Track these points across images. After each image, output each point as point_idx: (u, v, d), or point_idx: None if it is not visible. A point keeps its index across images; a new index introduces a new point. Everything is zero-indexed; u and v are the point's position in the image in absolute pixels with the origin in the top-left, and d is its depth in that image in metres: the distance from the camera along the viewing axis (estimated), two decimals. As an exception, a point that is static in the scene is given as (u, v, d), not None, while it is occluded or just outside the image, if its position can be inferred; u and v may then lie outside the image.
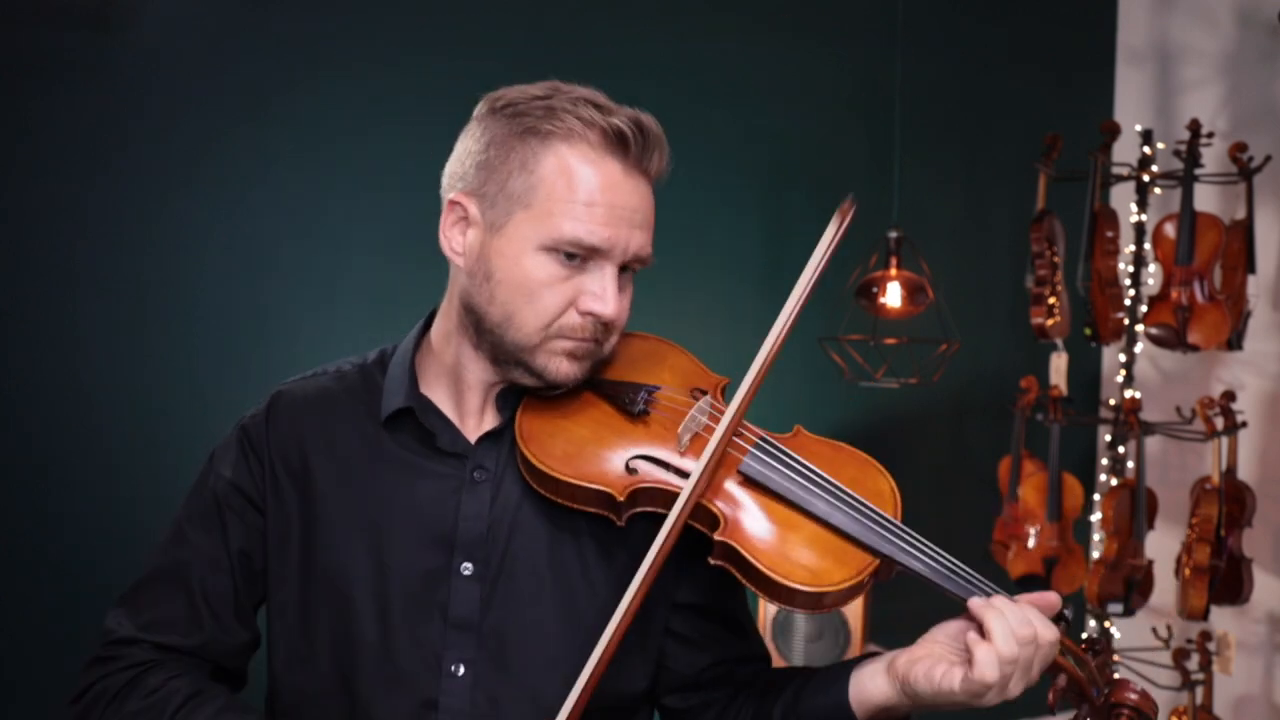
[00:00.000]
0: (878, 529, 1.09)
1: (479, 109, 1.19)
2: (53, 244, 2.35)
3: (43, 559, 2.33)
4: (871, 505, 1.10)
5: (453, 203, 1.17)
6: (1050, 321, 2.87)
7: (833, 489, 1.10)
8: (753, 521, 1.09)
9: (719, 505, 1.09)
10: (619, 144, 1.13)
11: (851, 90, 3.16)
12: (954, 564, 1.08)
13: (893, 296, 2.71)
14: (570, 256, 1.12)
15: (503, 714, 1.14)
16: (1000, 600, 1.05)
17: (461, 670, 1.14)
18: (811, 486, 1.11)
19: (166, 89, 2.42)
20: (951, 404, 3.32)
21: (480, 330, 1.16)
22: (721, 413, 1.16)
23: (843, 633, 2.77)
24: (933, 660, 1.06)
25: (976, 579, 1.08)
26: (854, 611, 2.78)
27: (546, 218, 1.11)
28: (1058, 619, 1.06)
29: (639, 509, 1.12)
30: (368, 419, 1.22)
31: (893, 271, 2.72)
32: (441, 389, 1.23)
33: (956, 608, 1.09)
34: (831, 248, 1.23)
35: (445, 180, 1.20)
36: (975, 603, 1.05)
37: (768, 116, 3.06)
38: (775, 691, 1.21)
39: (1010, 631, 1.01)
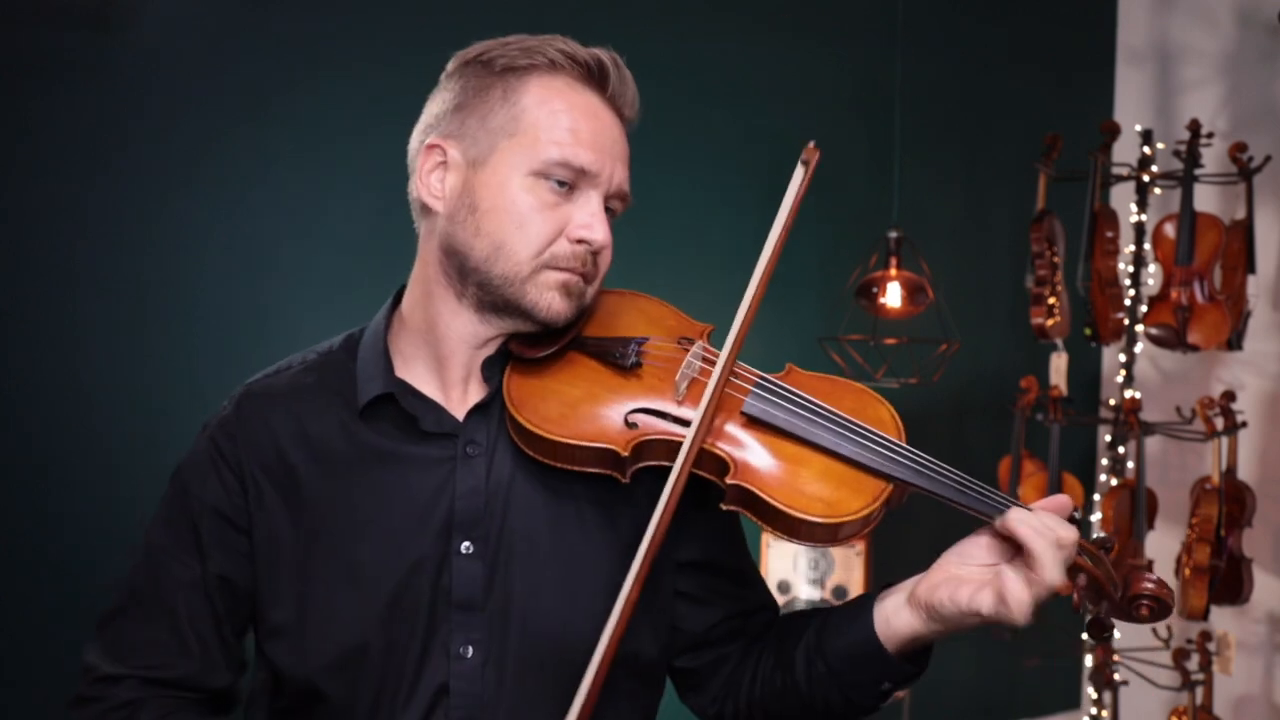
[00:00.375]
0: (887, 453, 1.08)
1: (450, 67, 1.19)
2: (53, 244, 2.35)
3: (43, 559, 2.33)
4: (877, 431, 1.10)
5: (430, 146, 1.15)
6: (1050, 321, 2.87)
7: (837, 419, 1.10)
8: (762, 461, 1.08)
9: (726, 449, 1.08)
10: (597, 76, 1.16)
11: (851, 90, 3.16)
12: (965, 479, 1.08)
13: (893, 296, 2.71)
14: (560, 183, 1.12)
15: (516, 690, 1.12)
16: (1031, 516, 1.02)
17: (470, 651, 1.12)
18: (815, 419, 1.10)
19: (166, 89, 2.42)
20: (951, 404, 3.32)
21: (465, 272, 1.13)
22: (715, 357, 1.15)
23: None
24: (956, 583, 1.05)
25: (991, 492, 1.07)
26: (855, 584, 2.77)
27: (533, 143, 1.11)
28: (1070, 519, 1.05)
29: (644, 463, 1.10)
30: (344, 410, 1.17)
31: (893, 271, 2.72)
32: (420, 365, 1.18)
33: (963, 532, 1.09)
34: (800, 194, 1.23)
35: (416, 137, 1.19)
36: (1011, 519, 1.02)
37: (768, 116, 3.05)
38: (795, 636, 1.19)
39: (1052, 553, 0.99)
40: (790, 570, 2.85)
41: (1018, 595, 1.00)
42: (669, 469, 1.07)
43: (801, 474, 1.07)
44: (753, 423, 1.10)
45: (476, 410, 1.16)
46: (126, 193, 2.40)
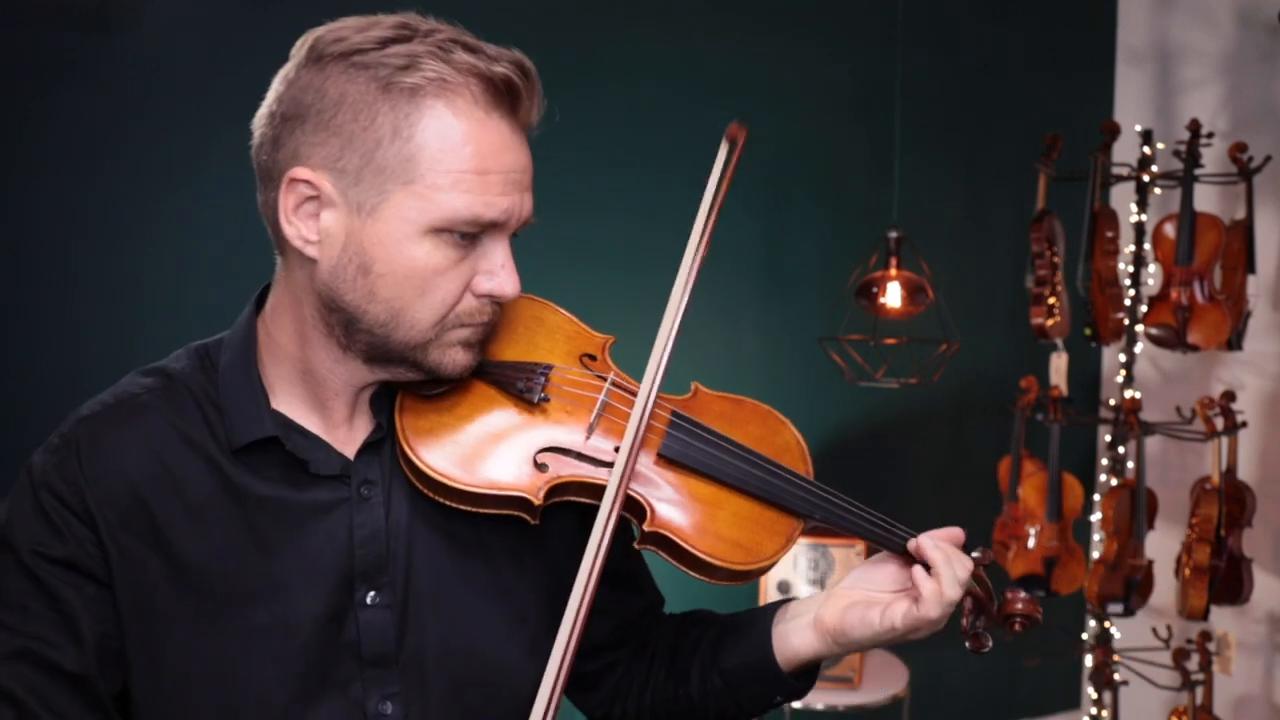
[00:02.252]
0: (799, 491, 1.07)
1: (303, 53, 0.95)
2: (52, 244, 2.35)
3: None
4: (787, 468, 1.09)
5: (294, 180, 0.94)
6: (1050, 321, 2.87)
7: (750, 457, 1.08)
8: (678, 503, 1.05)
9: (642, 491, 1.04)
10: (506, 96, 0.95)
11: (851, 90, 3.16)
12: (871, 514, 1.09)
13: (893, 296, 2.71)
14: (464, 236, 0.95)
15: None
16: (940, 543, 1.07)
17: (390, 708, 1.01)
18: (730, 459, 1.07)
19: (166, 89, 2.42)
20: (951, 404, 3.32)
21: (353, 331, 0.97)
22: (625, 386, 1.08)
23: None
24: (865, 605, 1.08)
25: (895, 525, 1.10)
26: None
27: (434, 193, 0.92)
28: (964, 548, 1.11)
29: (555, 501, 1.03)
30: (212, 446, 0.99)
31: (893, 271, 2.72)
32: (298, 399, 1.02)
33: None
34: (725, 181, 1.12)
35: (266, 147, 0.96)
36: (923, 544, 1.07)
37: (768, 116, 3.05)
38: (688, 647, 1.18)
39: (954, 573, 1.05)
40: (790, 570, 2.85)
41: (932, 597, 1.04)
42: (578, 505, 1.04)
43: (718, 517, 1.05)
44: (669, 463, 1.06)
45: (367, 447, 1.03)
46: (126, 193, 2.40)
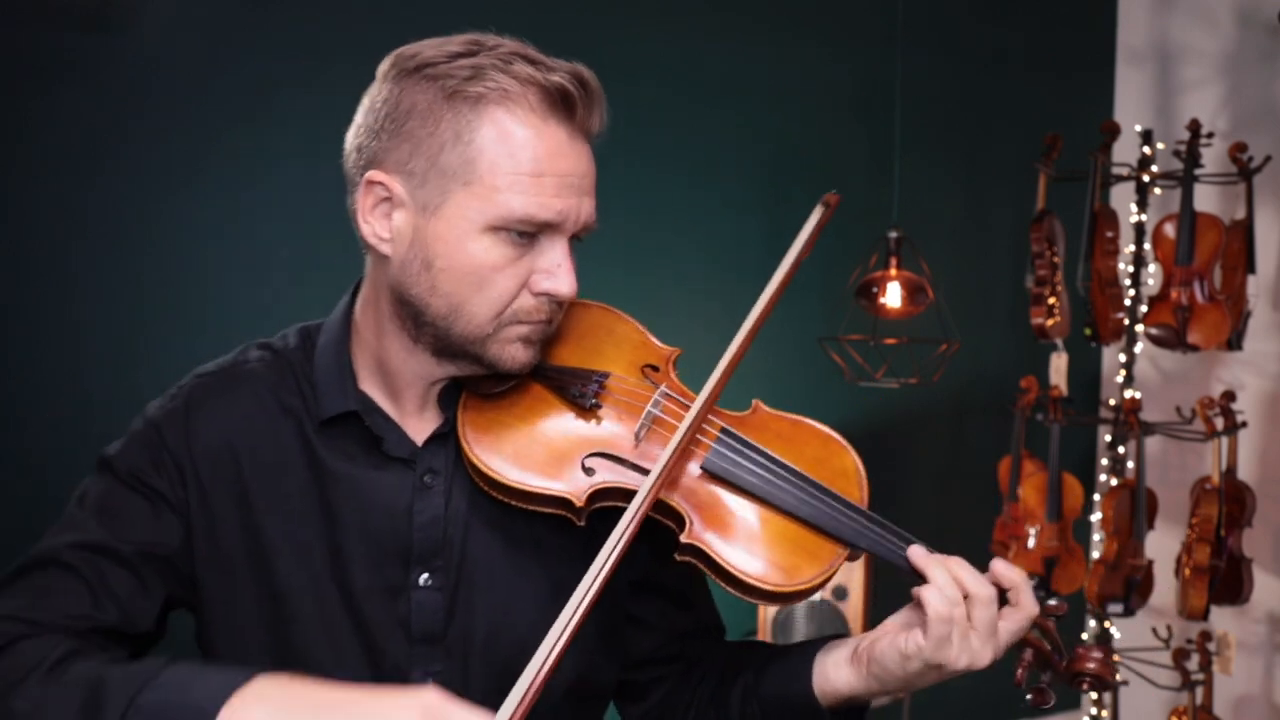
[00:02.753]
0: (847, 520, 1.06)
1: (385, 68, 1.05)
2: (52, 244, 2.35)
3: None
4: (837, 493, 1.07)
5: (371, 183, 1.03)
6: (1050, 321, 2.87)
7: (799, 480, 1.07)
8: (719, 519, 1.05)
9: (683, 502, 1.05)
10: (562, 104, 1.02)
11: (851, 90, 3.16)
12: (899, 537, 1.07)
13: (893, 296, 2.71)
14: (521, 235, 1.01)
15: None
16: (941, 556, 1.05)
17: (429, 682, 1.07)
18: (777, 480, 1.06)
19: (166, 89, 2.42)
20: (951, 404, 3.32)
21: (420, 324, 1.05)
22: (677, 399, 1.10)
23: (843, 633, 2.77)
24: (893, 634, 1.06)
25: (912, 541, 1.08)
26: (854, 612, 2.78)
27: (491, 194, 0.99)
28: (1045, 598, 1.06)
29: (599, 506, 1.06)
30: (303, 417, 1.10)
31: (893, 271, 2.72)
32: (376, 385, 1.11)
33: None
34: (810, 240, 1.17)
35: (352, 155, 1.07)
36: (915, 553, 1.05)
37: (768, 116, 3.05)
38: (733, 673, 1.18)
39: (945, 571, 1.03)
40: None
41: (931, 613, 1.01)
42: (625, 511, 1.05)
43: (758, 537, 1.05)
44: (714, 477, 1.07)
45: (434, 438, 1.10)
46: (126, 193, 2.40)
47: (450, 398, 1.11)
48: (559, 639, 0.93)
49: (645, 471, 1.05)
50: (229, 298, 2.46)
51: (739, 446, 1.08)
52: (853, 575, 2.79)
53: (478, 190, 1.00)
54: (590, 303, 1.18)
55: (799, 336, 3.00)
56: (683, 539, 1.04)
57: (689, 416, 1.05)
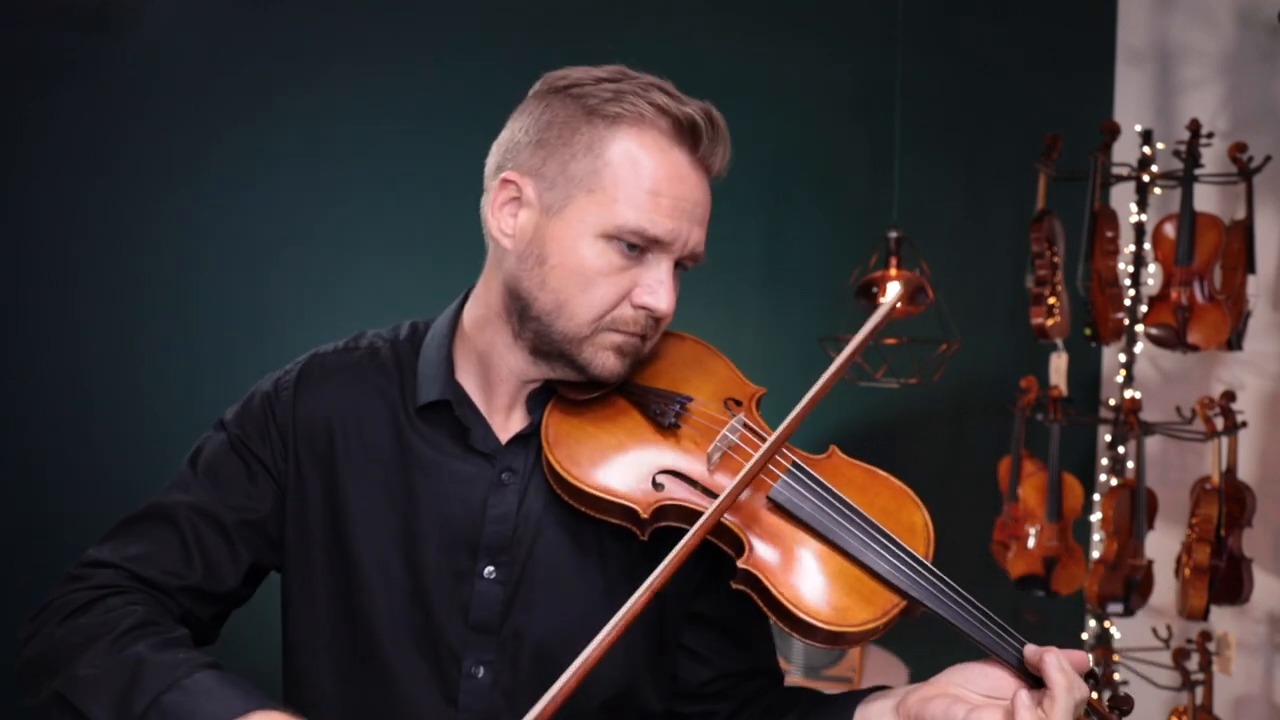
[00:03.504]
0: (908, 571, 1.04)
1: (537, 87, 1.14)
2: (53, 244, 2.35)
3: (43, 559, 2.33)
4: (903, 544, 1.06)
5: (506, 181, 1.12)
6: (1050, 321, 2.87)
7: (864, 524, 1.06)
8: (778, 550, 1.05)
9: (745, 530, 1.06)
10: (689, 134, 1.11)
11: (851, 90, 3.16)
12: (985, 614, 1.04)
13: (893, 296, 2.71)
14: (631, 247, 1.09)
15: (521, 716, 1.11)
16: (1065, 665, 0.98)
17: (481, 672, 1.13)
18: (841, 520, 1.06)
19: (166, 89, 2.42)
20: (951, 404, 3.32)
21: (525, 317, 1.12)
22: (753, 430, 1.13)
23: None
24: (951, 701, 1.01)
25: (1008, 633, 1.03)
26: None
27: (610, 204, 1.08)
28: (1086, 676, 1.01)
29: (663, 524, 1.09)
30: (399, 403, 1.18)
31: (893, 271, 2.72)
32: (471, 379, 1.19)
33: (973, 650, 1.05)
34: (889, 312, 1.18)
35: (495, 159, 1.15)
36: (1047, 662, 0.98)
37: (768, 116, 3.05)
38: (778, 715, 1.19)
39: (1071, 701, 0.96)
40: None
41: None
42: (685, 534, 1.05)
43: (814, 572, 1.04)
44: (778, 509, 1.08)
45: (517, 439, 1.16)
46: (126, 193, 2.40)
47: (538, 403, 1.17)
48: (599, 645, 0.95)
49: (713, 496, 1.07)
50: (229, 297, 2.47)
51: (808, 482, 1.09)
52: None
53: (599, 198, 1.08)
54: (688, 336, 1.26)
55: (799, 336, 3.00)
56: (740, 564, 1.05)
57: (768, 441, 1.07)
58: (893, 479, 1.14)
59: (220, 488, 1.16)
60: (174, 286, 2.44)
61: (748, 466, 1.06)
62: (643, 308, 1.11)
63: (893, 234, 2.74)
